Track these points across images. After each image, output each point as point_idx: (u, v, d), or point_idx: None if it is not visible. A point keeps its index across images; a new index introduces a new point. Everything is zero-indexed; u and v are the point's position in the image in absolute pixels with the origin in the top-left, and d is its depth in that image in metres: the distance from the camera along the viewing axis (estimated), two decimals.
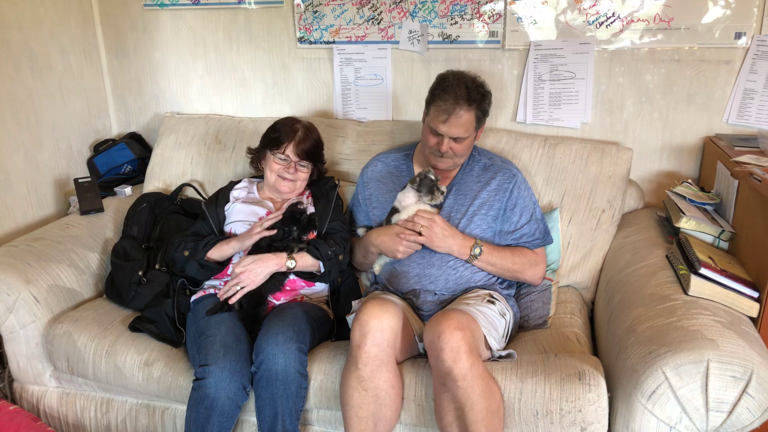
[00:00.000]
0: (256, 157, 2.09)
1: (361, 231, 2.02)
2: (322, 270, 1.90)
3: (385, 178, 2.01)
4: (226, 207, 2.06)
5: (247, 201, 2.06)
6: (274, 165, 2.00)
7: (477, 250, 1.82)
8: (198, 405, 1.64)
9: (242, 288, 1.80)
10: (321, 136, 2.07)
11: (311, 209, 2.02)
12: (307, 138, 1.99)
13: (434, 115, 1.81)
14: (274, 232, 1.87)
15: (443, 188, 1.85)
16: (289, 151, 1.97)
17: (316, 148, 2.04)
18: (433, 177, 1.82)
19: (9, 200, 2.31)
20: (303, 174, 2.02)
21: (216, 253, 1.92)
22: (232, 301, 1.80)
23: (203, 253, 1.91)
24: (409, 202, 1.85)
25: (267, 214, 1.99)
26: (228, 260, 1.96)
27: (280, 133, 1.99)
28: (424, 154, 1.92)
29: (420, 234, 1.77)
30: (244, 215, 2.01)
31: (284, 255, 1.85)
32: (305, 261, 1.87)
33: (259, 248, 1.88)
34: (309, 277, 1.94)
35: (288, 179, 1.99)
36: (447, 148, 1.81)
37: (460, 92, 1.77)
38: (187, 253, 1.92)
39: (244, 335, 1.75)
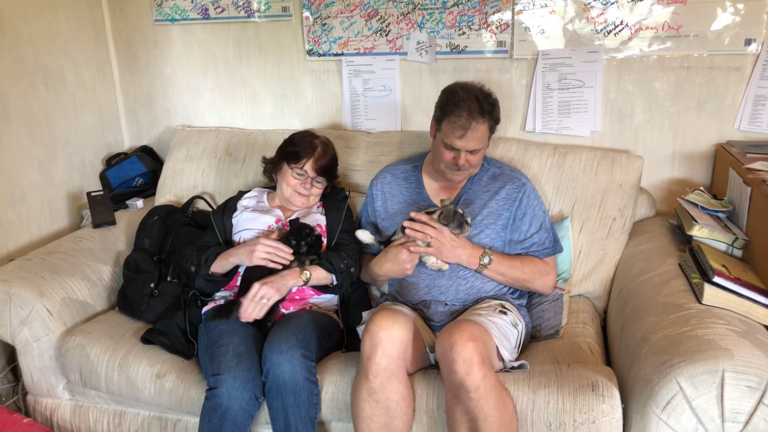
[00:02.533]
0: (271, 168, 2.11)
1: (363, 234, 1.95)
2: (335, 283, 1.91)
3: (394, 190, 2.01)
4: (234, 215, 2.07)
5: (256, 209, 2.08)
6: (291, 179, 2.01)
7: (486, 260, 1.81)
8: (211, 415, 1.64)
9: (267, 300, 1.79)
10: (336, 152, 2.09)
11: (321, 218, 2.04)
12: (325, 154, 2.02)
13: (449, 131, 1.79)
14: (278, 266, 1.85)
15: (469, 219, 1.82)
16: (308, 166, 1.99)
17: (333, 165, 2.07)
18: (461, 211, 1.79)
19: (23, 214, 2.34)
20: (318, 190, 2.04)
21: (218, 267, 1.92)
22: (259, 316, 1.79)
23: (206, 269, 1.92)
24: None
25: (276, 222, 1.99)
26: (234, 271, 1.96)
27: (299, 148, 2.01)
28: (435, 168, 1.91)
29: (428, 245, 1.77)
30: (252, 224, 2.02)
31: (297, 270, 1.86)
32: (319, 274, 1.89)
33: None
34: (321, 288, 1.95)
35: (303, 194, 2.02)
36: (464, 161, 1.81)
37: (473, 105, 1.76)
38: (193, 269, 1.94)
39: (255, 344, 1.76)
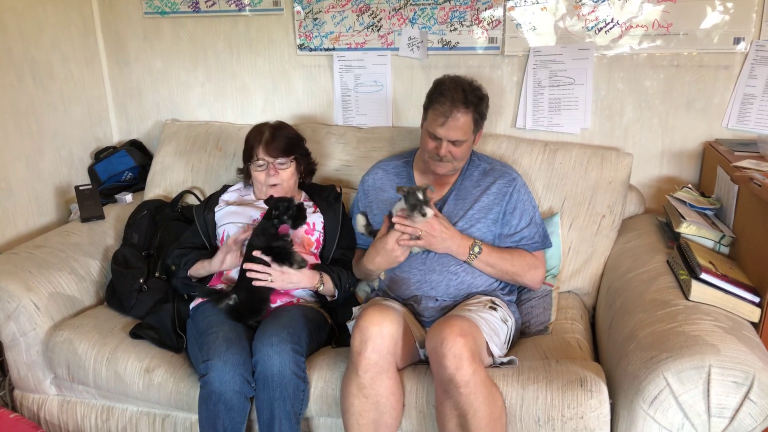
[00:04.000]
0: (246, 175, 2.10)
1: (360, 219, 1.97)
2: (336, 298, 1.94)
3: (385, 186, 2.01)
4: (217, 209, 2.07)
5: (242, 203, 2.08)
6: (257, 175, 2.00)
7: (476, 249, 1.82)
8: (207, 402, 1.64)
9: (268, 281, 1.80)
10: (297, 133, 2.08)
11: (317, 217, 2.03)
12: (275, 137, 1.99)
13: (432, 119, 1.81)
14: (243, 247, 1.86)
15: (426, 211, 1.71)
16: (262, 154, 1.97)
17: (290, 144, 2.01)
18: (421, 196, 1.73)
19: (10, 208, 2.32)
20: (285, 172, 2.00)
21: (194, 272, 1.95)
22: (256, 283, 1.79)
23: (184, 271, 1.94)
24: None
25: (261, 216, 1.98)
26: (210, 277, 1.97)
27: (250, 142, 2.01)
28: (423, 160, 1.92)
29: (418, 238, 1.77)
30: (237, 217, 2.01)
31: (317, 277, 1.89)
32: (328, 286, 1.92)
33: (253, 248, 1.84)
34: (318, 295, 1.96)
35: (273, 184, 1.99)
36: (446, 152, 1.82)
37: (457, 95, 1.78)
38: (173, 268, 1.97)
39: (246, 333, 1.76)
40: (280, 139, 1.99)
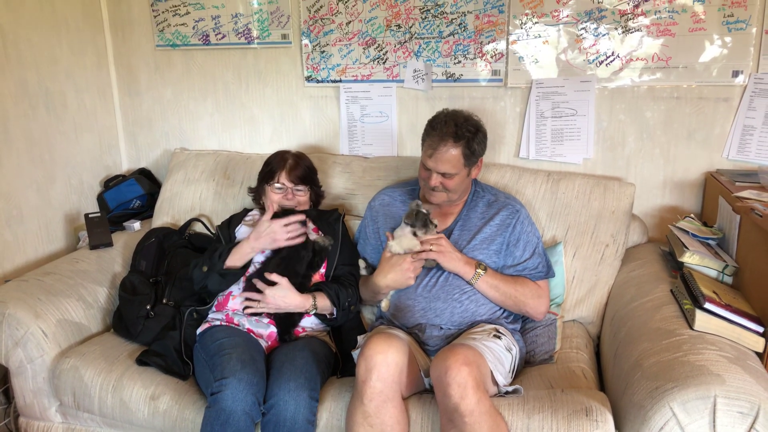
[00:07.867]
0: (257, 195, 2.16)
1: (360, 263, 2.05)
2: (334, 316, 1.94)
3: (392, 212, 2.04)
4: (237, 228, 2.12)
5: (253, 224, 2.11)
6: (273, 195, 2.07)
7: (482, 267, 1.85)
8: (213, 423, 1.62)
9: (259, 305, 1.89)
10: (313, 164, 2.16)
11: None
12: (297, 165, 2.08)
13: (424, 150, 1.89)
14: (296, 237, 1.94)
15: (435, 221, 1.88)
16: (283, 179, 2.05)
17: (309, 173, 2.12)
18: (424, 211, 1.86)
19: (21, 235, 2.35)
20: (301, 198, 2.09)
21: (235, 259, 1.95)
22: (248, 311, 1.92)
23: (221, 264, 1.94)
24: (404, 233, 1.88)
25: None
26: (249, 262, 1.99)
27: (272, 166, 2.09)
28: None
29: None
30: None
31: (310, 299, 1.90)
32: (324, 303, 1.92)
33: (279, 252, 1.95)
34: (317, 315, 1.96)
35: (289, 206, 2.05)
36: (436, 182, 1.87)
37: (448, 129, 1.84)
38: (206, 269, 1.95)
39: (259, 356, 1.77)
40: (302, 168, 2.09)
